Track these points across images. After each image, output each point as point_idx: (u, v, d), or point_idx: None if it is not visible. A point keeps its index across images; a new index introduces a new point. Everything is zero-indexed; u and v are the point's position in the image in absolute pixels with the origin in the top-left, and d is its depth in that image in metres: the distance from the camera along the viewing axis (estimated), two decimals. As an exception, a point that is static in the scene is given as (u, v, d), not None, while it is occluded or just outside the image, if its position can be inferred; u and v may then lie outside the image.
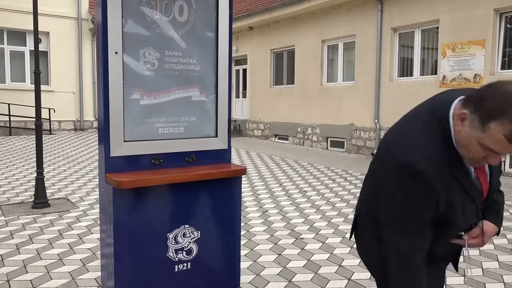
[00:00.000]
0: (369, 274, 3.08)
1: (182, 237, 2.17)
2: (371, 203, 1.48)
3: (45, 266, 3.45)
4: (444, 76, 8.74)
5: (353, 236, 1.66)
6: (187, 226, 2.18)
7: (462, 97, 1.29)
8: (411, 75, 9.68)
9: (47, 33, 14.20)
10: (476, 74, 8.22)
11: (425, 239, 1.32)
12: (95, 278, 3.21)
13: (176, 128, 2.22)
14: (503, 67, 8.10)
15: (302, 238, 4.24)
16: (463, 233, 1.44)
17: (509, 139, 1.15)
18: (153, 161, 2.14)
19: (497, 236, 1.55)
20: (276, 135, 13.47)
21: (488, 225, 1.45)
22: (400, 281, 1.34)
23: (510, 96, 1.14)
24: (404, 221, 1.30)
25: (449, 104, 1.30)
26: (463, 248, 1.47)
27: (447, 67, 8.69)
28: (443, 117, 1.29)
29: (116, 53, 2.00)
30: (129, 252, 2.02)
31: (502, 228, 1.63)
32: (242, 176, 2.38)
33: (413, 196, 1.27)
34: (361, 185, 7.30)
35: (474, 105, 1.21)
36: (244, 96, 15.05)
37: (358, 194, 6.43)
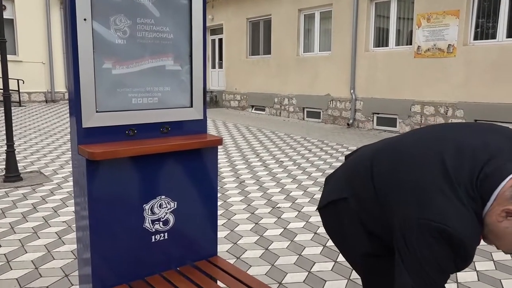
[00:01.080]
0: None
1: (158, 208, 2.16)
2: (366, 206, 1.44)
3: (19, 239, 3.41)
4: (418, 46, 8.81)
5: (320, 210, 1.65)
6: (163, 197, 2.17)
7: None
8: (386, 45, 9.72)
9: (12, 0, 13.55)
10: (449, 45, 8.32)
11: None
12: (71, 251, 3.19)
13: (150, 98, 2.17)
14: (475, 38, 8.21)
15: (278, 207, 4.30)
16: None
17: None
18: (127, 132, 2.09)
19: None
20: (252, 106, 13.43)
21: None
22: None
23: None
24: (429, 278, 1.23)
25: (496, 180, 1.13)
26: None
27: (421, 38, 8.75)
28: (481, 196, 1.16)
29: (85, 20, 1.91)
30: (104, 224, 2.00)
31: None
32: (219, 146, 2.37)
33: (445, 259, 1.20)
34: (337, 155, 7.27)
35: None
36: (221, 66, 14.86)
37: (334, 164, 6.47)
